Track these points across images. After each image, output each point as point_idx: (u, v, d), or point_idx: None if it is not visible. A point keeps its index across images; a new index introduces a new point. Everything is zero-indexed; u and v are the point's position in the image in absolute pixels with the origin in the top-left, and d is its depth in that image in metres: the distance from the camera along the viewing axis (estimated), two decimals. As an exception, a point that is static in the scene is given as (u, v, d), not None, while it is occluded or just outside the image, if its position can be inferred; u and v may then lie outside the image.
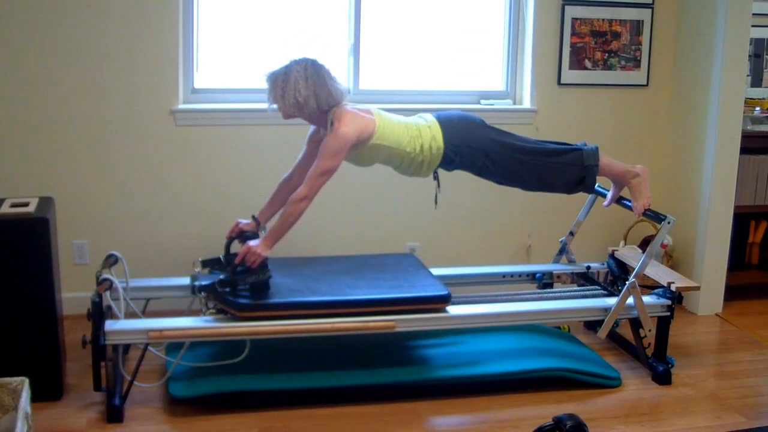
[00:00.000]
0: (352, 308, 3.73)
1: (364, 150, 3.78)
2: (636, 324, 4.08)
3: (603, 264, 4.60)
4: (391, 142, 3.79)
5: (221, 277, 3.70)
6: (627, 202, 4.15)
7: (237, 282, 3.69)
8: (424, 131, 3.85)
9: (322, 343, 3.94)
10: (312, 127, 3.96)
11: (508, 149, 3.92)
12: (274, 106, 3.77)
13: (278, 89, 3.70)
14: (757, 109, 5.32)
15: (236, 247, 3.89)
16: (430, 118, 3.93)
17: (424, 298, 3.83)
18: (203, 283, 3.73)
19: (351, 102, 3.87)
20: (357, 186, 4.88)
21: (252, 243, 3.70)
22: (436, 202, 4.09)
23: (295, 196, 3.67)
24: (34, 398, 3.19)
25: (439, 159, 3.87)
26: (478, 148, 3.88)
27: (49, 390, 3.64)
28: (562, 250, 4.66)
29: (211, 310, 3.72)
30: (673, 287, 4.10)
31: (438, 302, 3.83)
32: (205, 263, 3.96)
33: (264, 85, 3.77)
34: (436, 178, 4.03)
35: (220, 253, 3.94)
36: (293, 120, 3.83)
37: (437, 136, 3.84)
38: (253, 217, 4.04)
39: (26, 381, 3.09)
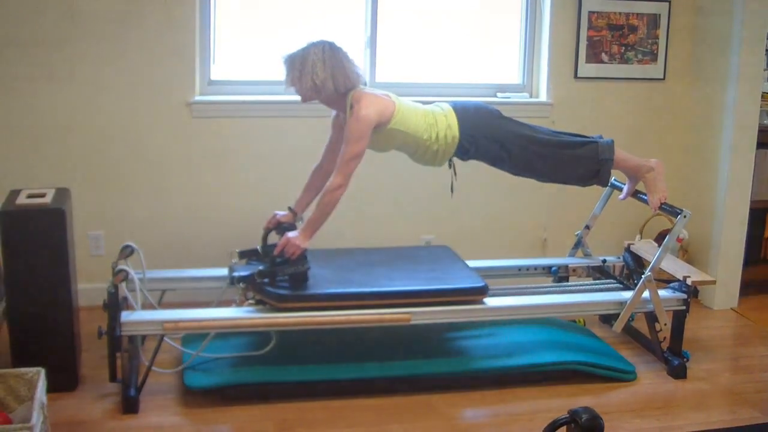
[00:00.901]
0: (390, 299, 3.74)
1: (382, 133, 3.76)
2: (651, 318, 4.07)
3: (619, 258, 4.59)
4: (409, 128, 3.78)
5: (260, 267, 3.70)
6: (643, 196, 4.14)
7: (276, 273, 3.69)
8: (440, 120, 3.84)
9: (344, 335, 3.95)
10: (333, 112, 3.96)
11: (524, 140, 3.91)
12: (292, 88, 3.76)
13: (296, 72, 3.70)
14: (774, 103, 5.30)
15: (273, 238, 3.90)
16: (446, 107, 3.91)
17: (461, 290, 3.83)
18: (242, 273, 3.73)
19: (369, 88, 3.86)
20: (372, 178, 4.86)
21: (290, 234, 3.71)
22: (452, 191, 4.08)
23: (330, 185, 3.68)
24: (50, 389, 3.22)
25: (454, 148, 3.86)
26: (493, 138, 3.87)
27: (64, 381, 3.65)
28: (578, 244, 4.65)
29: (250, 301, 3.72)
30: (688, 281, 4.09)
31: (475, 294, 3.83)
32: (243, 254, 3.95)
33: (281, 69, 3.76)
34: (451, 166, 4.02)
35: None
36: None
37: (453, 125, 3.83)
38: (290, 208, 4.04)
39: (42, 371, 3.12)
